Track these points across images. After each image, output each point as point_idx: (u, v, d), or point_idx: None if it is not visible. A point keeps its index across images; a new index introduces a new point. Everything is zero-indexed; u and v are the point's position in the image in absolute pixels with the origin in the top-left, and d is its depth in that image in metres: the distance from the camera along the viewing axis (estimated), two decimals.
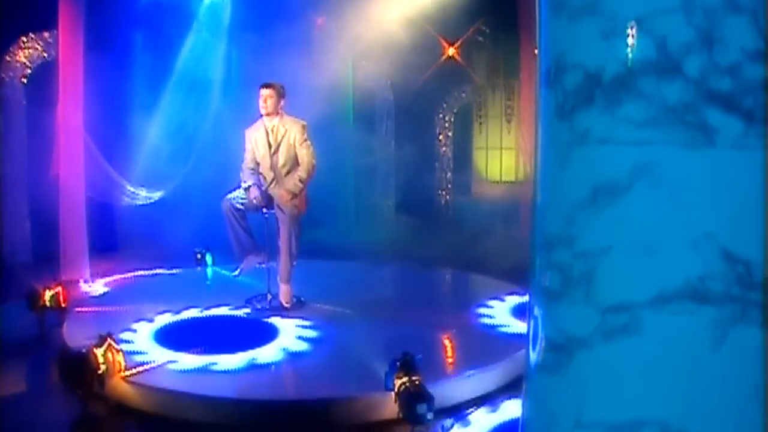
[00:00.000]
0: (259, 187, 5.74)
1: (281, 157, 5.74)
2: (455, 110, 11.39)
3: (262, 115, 5.79)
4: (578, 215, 1.21)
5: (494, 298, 6.03)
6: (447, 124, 11.38)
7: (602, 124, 1.18)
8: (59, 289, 5.67)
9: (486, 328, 5.36)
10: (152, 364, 4.49)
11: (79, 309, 5.73)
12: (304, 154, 5.69)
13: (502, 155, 11.43)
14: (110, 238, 8.23)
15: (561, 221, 1.25)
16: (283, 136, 5.73)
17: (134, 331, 5.13)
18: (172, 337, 5.02)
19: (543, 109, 1.31)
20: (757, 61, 1.06)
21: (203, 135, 8.30)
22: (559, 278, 1.26)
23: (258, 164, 5.81)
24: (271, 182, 5.77)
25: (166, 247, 8.06)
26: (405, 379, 4.05)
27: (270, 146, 5.75)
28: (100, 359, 4.23)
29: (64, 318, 5.58)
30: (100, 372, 4.22)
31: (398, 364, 4.08)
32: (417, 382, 4.02)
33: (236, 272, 5.95)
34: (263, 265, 5.89)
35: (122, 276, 7.36)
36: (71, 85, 6.93)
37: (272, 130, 5.75)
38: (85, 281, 6.97)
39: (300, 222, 5.81)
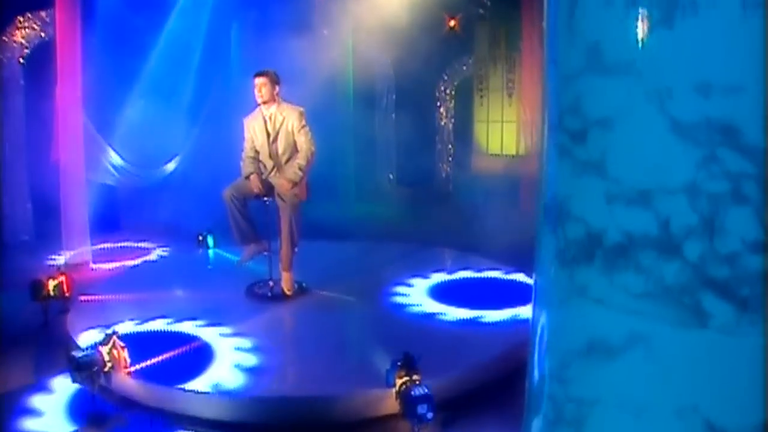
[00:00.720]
0: (260, 175, 5.74)
1: (280, 145, 5.73)
2: (456, 83, 11.30)
3: (259, 104, 5.76)
4: (573, 362, 1.25)
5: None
6: (447, 97, 11.31)
7: (600, 286, 1.20)
8: (62, 278, 5.73)
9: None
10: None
11: (83, 298, 5.78)
12: (303, 141, 5.68)
13: (503, 128, 11.34)
14: (111, 216, 8.25)
15: (557, 360, 1.28)
16: (281, 124, 5.71)
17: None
18: None
19: (545, 246, 1.32)
20: (756, 253, 1.08)
21: (203, 114, 8.27)
22: (553, 409, 1.30)
23: (257, 152, 5.80)
24: (272, 170, 5.78)
25: (167, 226, 8.12)
26: (406, 378, 4.13)
27: (269, 134, 5.73)
28: (106, 357, 4.31)
29: (68, 307, 5.66)
30: (106, 369, 4.30)
31: (399, 363, 4.15)
32: (417, 382, 4.10)
33: (239, 261, 5.98)
34: (265, 254, 5.93)
35: (125, 252, 7.47)
36: (69, 65, 6.88)
37: (270, 118, 5.73)
38: (88, 265, 7.07)
39: (300, 209, 5.82)
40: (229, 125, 8.08)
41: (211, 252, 7.38)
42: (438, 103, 11.32)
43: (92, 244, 7.26)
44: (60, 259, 6.86)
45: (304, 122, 5.71)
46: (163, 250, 7.74)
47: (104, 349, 4.32)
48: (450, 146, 11.42)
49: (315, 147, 5.71)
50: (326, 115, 9.62)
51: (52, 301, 5.69)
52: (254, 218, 5.85)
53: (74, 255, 6.98)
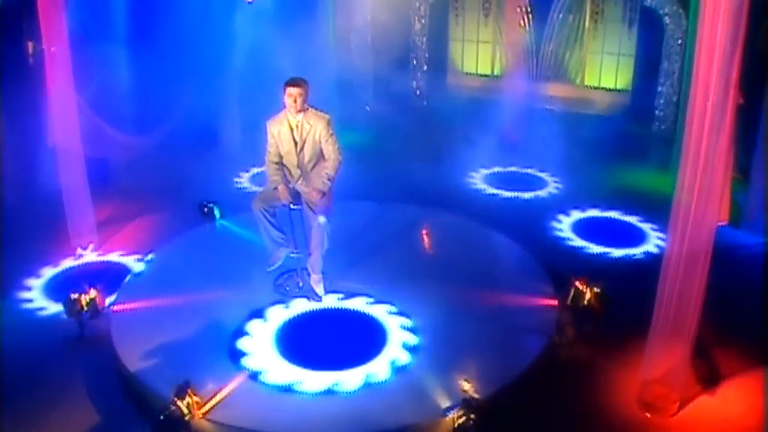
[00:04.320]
0: (287, 184, 5.74)
1: (307, 154, 5.70)
2: (431, 1, 10.95)
3: (284, 107, 5.63)
4: None
5: None
6: (422, 15, 10.98)
7: None
8: (95, 293, 5.75)
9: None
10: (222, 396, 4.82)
11: (116, 308, 5.84)
12: (331, 150, 5.67)
13: (479, 48, 11.24)
14: (107, 188, 8.01)
15: None
16: (308, 133, 5.64)
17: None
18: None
19: None
20: None
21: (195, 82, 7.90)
22: None
23: (281, 157, 5.75)
24: (298, 179, 5.78)
25: (166, 196, 8.02)
26: (465, 417, 4.60)
27: (295, 143, 5.67)
28: (185, 409, 4.56)
29: (100, 314, 5.75)
30: (186, 419, 4.58)
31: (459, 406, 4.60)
32: (473, 421, 4.58)
33: (271, 267, 6.09)
34: (293, 255, 6.07)
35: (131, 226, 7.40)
36: (54, 26, 6.34)
37: (297, 127, 5.64)
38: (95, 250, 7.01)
39: (330, 216, 5.89)
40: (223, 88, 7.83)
41: (218, 224, 7.38)
42: (413, 21, 11.01)
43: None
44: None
45: (331, 131, 5.65)
46: (164, 213, 7.68)
47: (182, 403, 4.56)
48: (424, 65, 11.28)
49: (342, 156, 5.70)
50: (308, 37, 9.38)
51: (86, 315, 5.74)
52: (281, 224, 5.93)
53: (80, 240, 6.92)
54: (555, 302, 5.96)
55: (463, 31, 11.20)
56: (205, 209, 7.39)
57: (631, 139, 9.74)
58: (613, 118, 10.16)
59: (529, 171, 9.32)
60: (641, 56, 9.89)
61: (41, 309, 6.14)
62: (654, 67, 9.71)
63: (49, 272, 6.68)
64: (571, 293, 5.97)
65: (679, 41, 9.38)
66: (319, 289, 5.99)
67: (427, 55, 11.23)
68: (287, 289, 6.13)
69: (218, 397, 4.79)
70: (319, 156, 5.73)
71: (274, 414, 4.75)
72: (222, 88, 8.13)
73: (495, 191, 8.84)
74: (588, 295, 5.91)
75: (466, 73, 11.38)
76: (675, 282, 4.65)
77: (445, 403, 4.72)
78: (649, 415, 4.87)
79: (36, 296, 6.33)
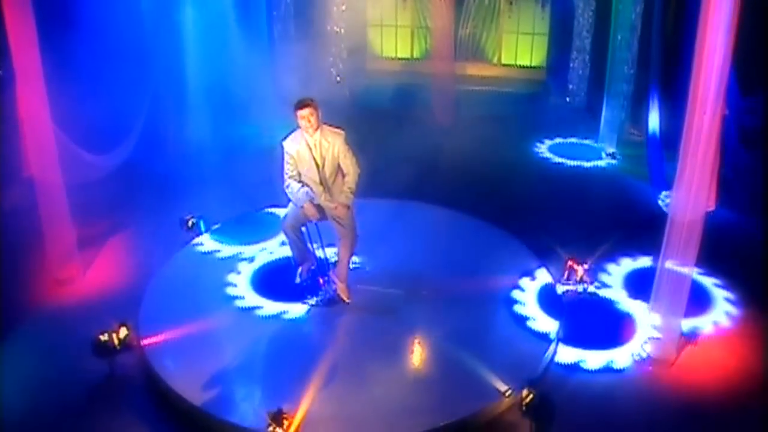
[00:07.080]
0: (311, 201, 5.82)
1: (328, 170, 5.84)
2: None
3: (304, 131, 5.70)
4: None
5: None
6: (341, 2, 11.02)
7: None
8: (125, 330, 5.56)
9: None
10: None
11: (146, 342, 5.70)
12: (349, 164, 5.84)
13: (398, 33, 11.51)
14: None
15: None
16: (327, 150, 5.77)
17: None
18: None
19: None
20: None
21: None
22: None
23: (300, 175, 5.83)
24: (321, 195, 5.89)
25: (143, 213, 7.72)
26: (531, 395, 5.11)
27: (316, 163, 5.76)
28: None
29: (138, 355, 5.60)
30: None
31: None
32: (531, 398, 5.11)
33: (297, 279, 6.21)
34: (313, 267, 6.21)
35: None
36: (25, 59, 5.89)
37: (315, 146, 5.74)
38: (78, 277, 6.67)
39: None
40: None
41: (206, 237, 7.22)
42: (331, 7, 11.01)
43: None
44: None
45: (347, 145, 5.80)
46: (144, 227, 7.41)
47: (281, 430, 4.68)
48: (343, 51, 11.35)
49: (360, 168, 5.87)
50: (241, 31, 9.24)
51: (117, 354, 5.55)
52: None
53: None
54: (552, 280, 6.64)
55: (381, 16, 11.41)
56: (190, 223, 7.19)
57: (550, 113, 10.54)
58: (530, 95, 10.92)
59: None
60: (554, 35, 10.67)
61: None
62: (566, 44, 10.52)
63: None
64: (566, 271, 6.68)
65: (589, 20, 10.24)
66: (345, 295, 6.19)
67: (345, 43, 11.30)
68: (314, 303, 6.21)
69: (299, 417, 4.94)
70: (338, 170, 5.87)
71: None
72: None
73: None
74: (580, 272, 6.64)
75: (386, 58, 11.64)
76: (675, 257, 5.53)
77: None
78: (651, 368, 5.67)
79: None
